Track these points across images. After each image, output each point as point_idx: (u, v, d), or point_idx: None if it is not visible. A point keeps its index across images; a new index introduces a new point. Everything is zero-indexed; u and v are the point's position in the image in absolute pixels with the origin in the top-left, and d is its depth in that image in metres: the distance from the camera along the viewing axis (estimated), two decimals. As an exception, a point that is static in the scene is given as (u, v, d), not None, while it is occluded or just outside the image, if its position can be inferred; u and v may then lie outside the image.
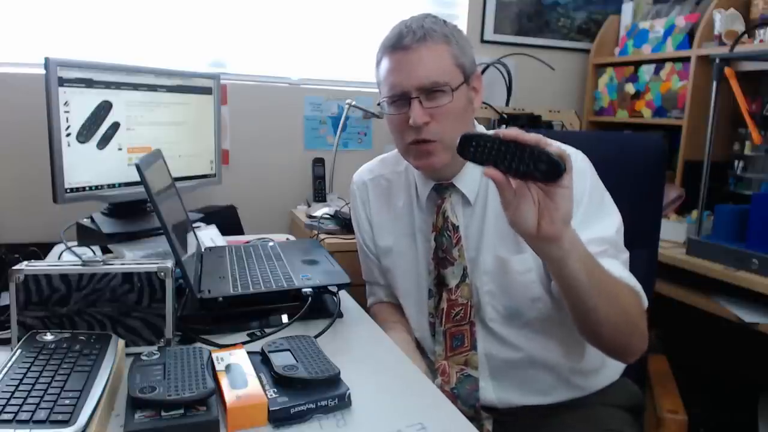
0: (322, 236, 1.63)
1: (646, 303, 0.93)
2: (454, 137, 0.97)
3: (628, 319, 0.86)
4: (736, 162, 1.91)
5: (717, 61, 1.67)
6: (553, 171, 0.68)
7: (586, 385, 1.06)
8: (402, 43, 0.96)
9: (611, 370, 1.09)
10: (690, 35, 2.03)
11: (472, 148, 0.72)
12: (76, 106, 1.18)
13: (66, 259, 1.20)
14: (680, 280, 1.64)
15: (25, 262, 0.81)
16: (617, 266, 0.91)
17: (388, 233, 1.15)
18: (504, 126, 2.01)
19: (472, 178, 1.03)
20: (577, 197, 0.89)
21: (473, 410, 1.02)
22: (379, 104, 1.04)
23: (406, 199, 1.12)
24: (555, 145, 0.70)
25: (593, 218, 0.94)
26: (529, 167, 0.69)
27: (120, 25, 1.83)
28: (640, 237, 1.23)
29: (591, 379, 1.06)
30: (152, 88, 1.34)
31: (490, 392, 1.04)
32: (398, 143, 1.04)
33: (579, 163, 0.98)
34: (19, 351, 0.70)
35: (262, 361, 0.77)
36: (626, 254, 0.98)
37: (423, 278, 1.09)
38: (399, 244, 1.13)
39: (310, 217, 1.79)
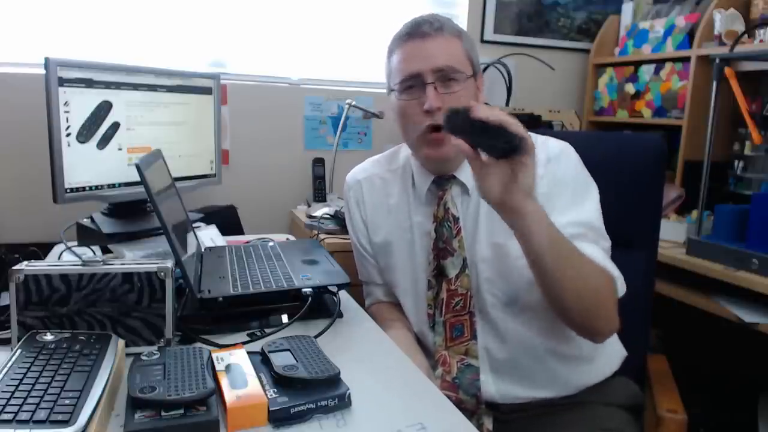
0: (322, 236, 1.63)
1: (622, 290, 0.95)
2: None
3: (596, 298, 0.89)
4: (736, 162, 1.91)
5: (717, 61, 1.67)
6: (509, 149, 0.76)
7: (583, 377, 1.06)
8: (420, 29, 1.00)
9: (608, 361, 1.10)
10: (690, 35, 2.03)
11: (450, 120, 0.80)
12: (76, 106, 1.18)
13: (66, 259, 1.20)
14: (680, 280, 1.64)
15: (25, 262, 0.81)
16: (596, 251, 0.94)
17: (384, 229, 1.16)
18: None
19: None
20: (564, 181, 0.98)
21: (475, 400, 1.03)
22: (392, 90, 1.05)
23: (402, 195, 1.14)
24: (516, 126, 0.76)
25: (574, 203, 0.97)
26: (491, 143, 0.78)
27: (120, 25, 1.83)
28: (640, 237, 1.23)
29: (589, 370, 1.07)
30: (152, 88, 1.34)
31: (490, 385, 1.04)
32: (408, 133, 1.05)
33: (567, 149, 1.03)
34: (19, 351, 0.70)
35: (262, 361, 0.77)
36: (608, 243, 1.00)
37: (421, 270, 1.10)
38: (395, 238, 1.14)
39: (310, 217, 1.79)
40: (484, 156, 0.79)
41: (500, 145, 0.76)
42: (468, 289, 1.04)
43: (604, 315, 0.91)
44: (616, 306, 0.93)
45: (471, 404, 1.03)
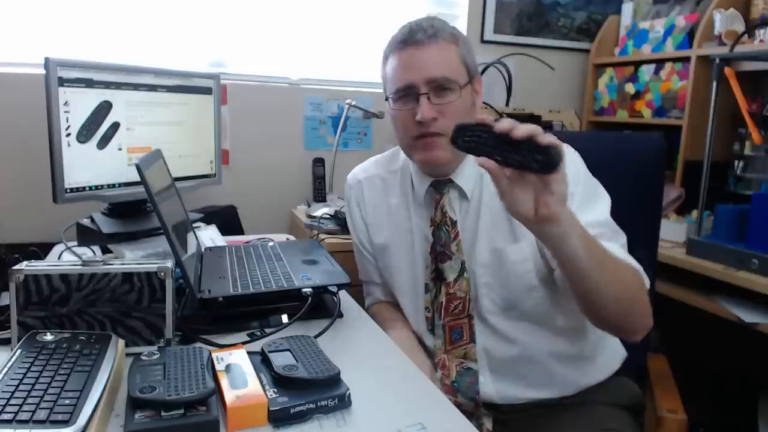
0: (322, 236, 1.63)
1: (647, 282, 0.94)
2: None
3: (630, 295, 0.88)
4: (736, 162, 1.91)
5: (717, 61, 1.67)
6: (549, 163, 0.68)
7: (583, 378, 1.06)
8: (414, 38, 0.98)
9: (608, 362, 1.10)
10: (690, 35, 2.03)
11: (467, 138, 0.73)
12: (76, 106, 1.18)
13: (66, 259, 1.20)
14: (680, 280, 1.64)
15: (25, 262, 0.81)
16: (616, 248, 0.92)
17: (384, 230, 1.16)
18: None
19: (469, 173, 1.05)
20: (570, 188, 0.91)
21: (473, 403, 1.03)
22: (387, 99, 1.03)
23: (401, 196, 1.13)
24: (548, 137, 0.69)
25: (587, 205, 0.95)
26: (525, 160, 0.69)
27: (120, 25, 1.83)
28: (640, 237, 1.22)
29: (589, 371, 1.07)
30: (152, 88, 1.34)
31: (489, 387, 1.04)
32: (402, 139, 1.04)
33: (570, 155, 1.00)
34: (19, 351, 0.70)
35: (262, 361, 0.77)
36: (624, 237, 0.98)
37: (419, 273, 1.10)
38: (395, 240, 1.14)
39: (310, 217, 1.79)
40: (508, 171, 0.72)
41: (536, 161, 0.68)
42: (467, 293, 1.03)
43: (639, 313, 0.90)
44: (648, 299, 0.91)
45: (470, 407, 1.02)
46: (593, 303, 0.86)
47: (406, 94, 0.99)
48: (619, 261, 0.88)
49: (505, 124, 0.70)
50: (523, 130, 0.69)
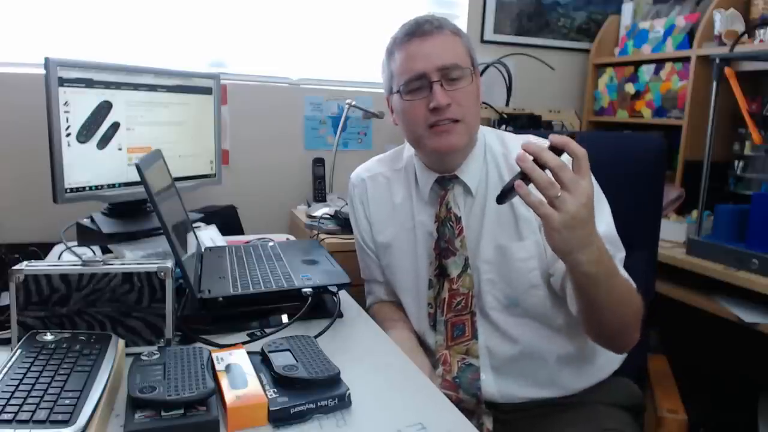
0: (322, 236, 1.63)
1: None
2: (473, 119, 1.01)
3: (631, 320, 0.91)
4: (736, 162, 1.91)
5: (717, 61, 1.67)
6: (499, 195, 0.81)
7: (584, 377, 1.07)
8: (420, 29, 0.99)
9: (608, 362, 1.10)
10: (690, 35, 2.03)
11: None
12: (76, 106, 1.18)
13: (66, 259, 1.20)
14: (680, 280, 1.64)
15: (25, 262, 0.81)
16: (618, 266, 0.93)
17: (387, 228, 1.16)
18: (504, 126, 2.01)
19: (474, 169, 1.05)
20: None
21: (475, 399, 1.03)
22: (398, 92, 1.02)
23: (405, 194, 1.13)
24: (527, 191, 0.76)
25: (596, 212, 0.94)
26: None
27: (120, 25, 1.83)
28: (640, 237, 1.23)
29: (589, 371, 1.07)
30: (152, 88, 1.34)
31: (491, 385, 1.04)
32: (413, 131, 1.03)
33: None
34: (19, 351, 0.70)
35: (262, 361, 0.77)
36: (623, 253, 0.99)
37: (423, 270, 1.10)
38: (398, 238, 1.14)
39: (310, 217, 1.79)
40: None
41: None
42: (470, 289, 1.04)
43: (632, 333, 0.94)
44: (641, 318, 0.94)
45: (471, 403, 1.03)
46: (595, 321, 0.91)
47: (419, 86, 0.99)
48: (627, 285, 0.90)
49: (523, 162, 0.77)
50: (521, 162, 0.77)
